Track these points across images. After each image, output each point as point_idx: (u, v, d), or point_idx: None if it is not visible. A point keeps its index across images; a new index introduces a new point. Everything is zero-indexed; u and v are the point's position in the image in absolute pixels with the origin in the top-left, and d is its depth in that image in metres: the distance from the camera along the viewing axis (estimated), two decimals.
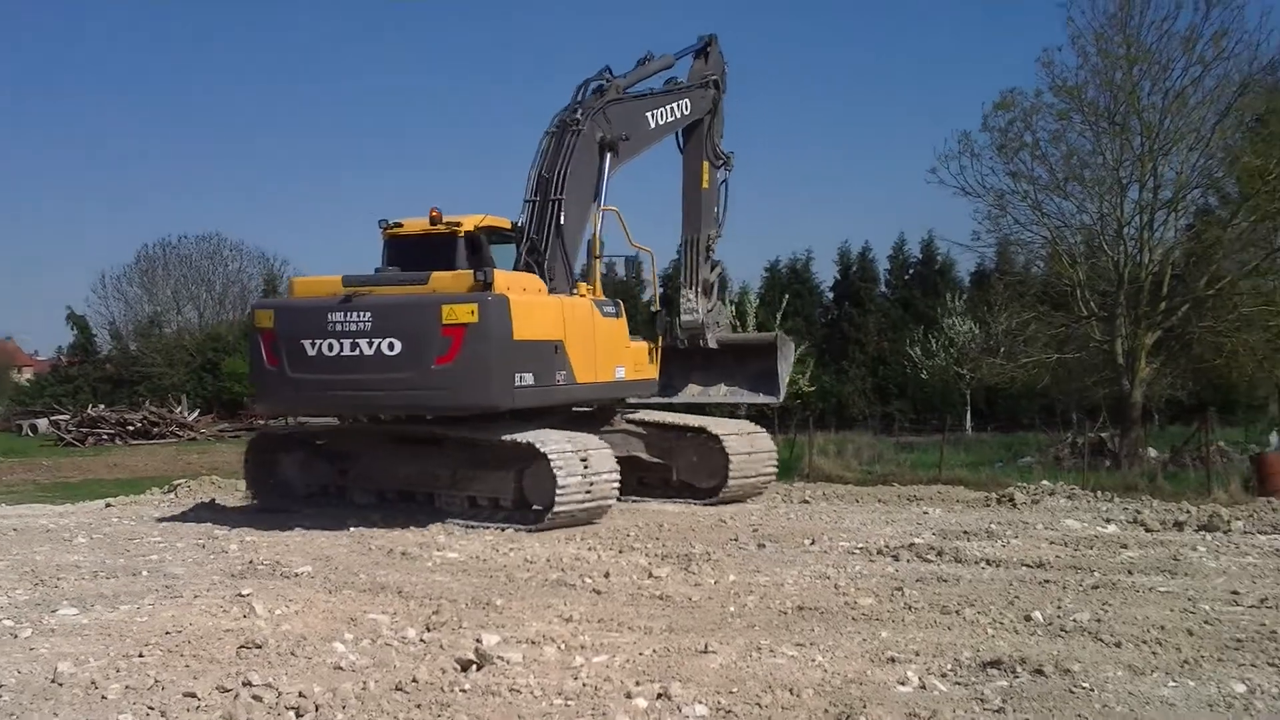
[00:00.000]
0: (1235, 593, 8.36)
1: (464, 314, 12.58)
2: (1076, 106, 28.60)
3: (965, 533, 11.77)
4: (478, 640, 7.23)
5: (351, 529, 12.84)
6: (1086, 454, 23.75)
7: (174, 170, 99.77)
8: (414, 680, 6.29)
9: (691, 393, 17.73)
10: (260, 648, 7.22)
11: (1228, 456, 25.90)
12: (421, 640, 7.43)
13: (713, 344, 17.31)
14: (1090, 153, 28.86)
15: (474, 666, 6.58)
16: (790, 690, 6.08)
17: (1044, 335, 30.45)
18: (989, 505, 14.51)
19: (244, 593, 9.09)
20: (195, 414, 47.13)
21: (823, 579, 9.45)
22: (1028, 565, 9.75)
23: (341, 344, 12.91)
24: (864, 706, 5.67)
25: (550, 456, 12.59)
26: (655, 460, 15.44)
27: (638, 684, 6.18)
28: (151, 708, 6.03)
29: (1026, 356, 29.73)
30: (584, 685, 6.25)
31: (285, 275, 63.79)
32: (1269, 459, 19.88)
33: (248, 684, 6.31)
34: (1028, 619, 7.69)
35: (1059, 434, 29.62)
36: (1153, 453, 27.71)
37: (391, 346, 12.75)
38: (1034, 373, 30.12)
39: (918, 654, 6.87)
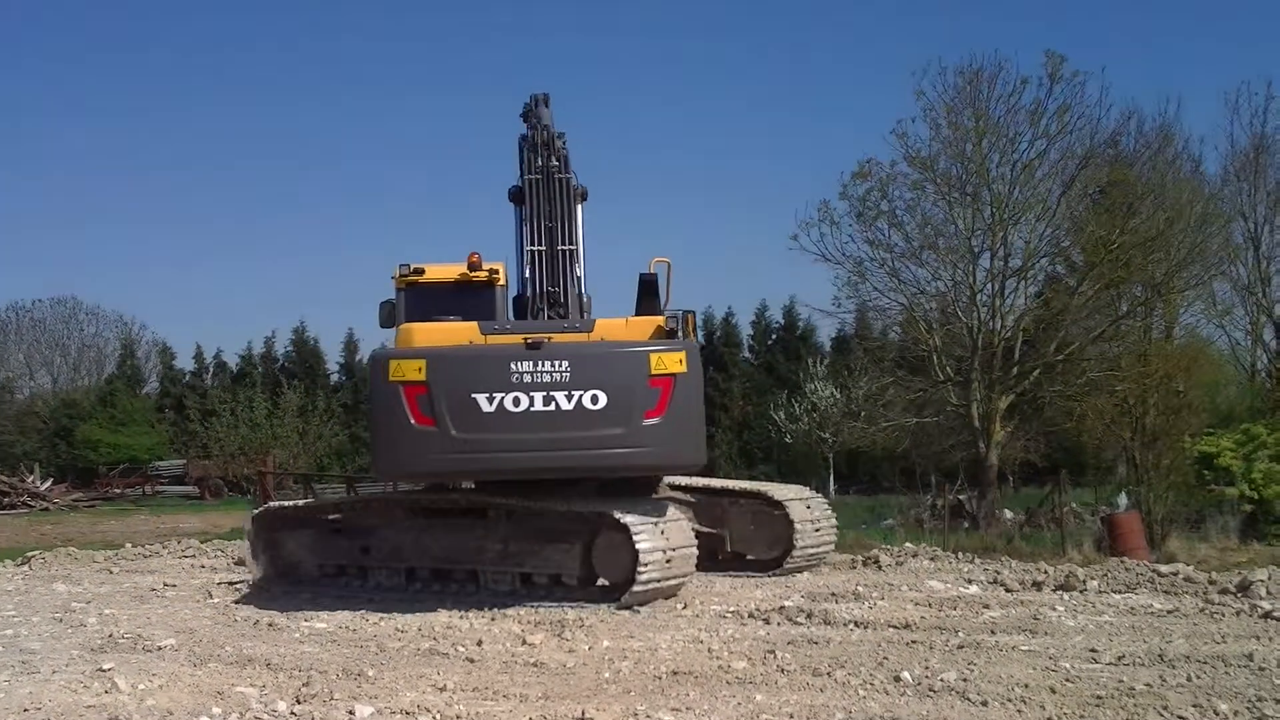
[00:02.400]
0: (1094, 650, 8.64)
1: (673, 363, 11.58)
2: (930, 177, 29.68)
3: (833, 594, 11.96)
4: (350, 712, 7.15)
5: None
6: (946, 516, 24.31)
7: (23, 231, 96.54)
8: None
9: None
10: None
11: (1080, 517, 26.83)
12: (292, 713, 7.31)
13: None
14: (944, 221, 29.90)
15: None
16: None
17: (902, 399, 31.26)
18: (854, 567, 14.76)
19: (105, 667, 8.85)
20: (48, 483, 45.46)
21: (696, 643, 9.52)
22: (895, 626, 9.94)
23: (532, 398, 11.49)
24: None
25: (631, 527, 11.30)
26: (706, 530, 13.62)
27: None
28: None
29: (886, 420, 30.46)
30: None
31: (143, 339, 62.54)
32: (1119, 520, 20.67)
33: None
34: (897, 679, 7.84)
35: (919, 496, 30.26)
36: (1009, 514, 28.54)
37: (595, 400, 11.47)
38: (894, 436, 30.84)
39: (791, 716, 6.98)
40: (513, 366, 11.45)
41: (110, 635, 10.49)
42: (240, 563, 15.35)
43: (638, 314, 12.45)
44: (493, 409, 11.43)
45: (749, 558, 14.00)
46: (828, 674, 8.11)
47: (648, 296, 12.75)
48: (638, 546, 11.18)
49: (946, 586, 12.47)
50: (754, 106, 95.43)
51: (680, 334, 12.00)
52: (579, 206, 13.31)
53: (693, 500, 13.69)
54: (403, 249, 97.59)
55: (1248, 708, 6.81)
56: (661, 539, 11.44)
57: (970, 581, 12.83)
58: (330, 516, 13.92)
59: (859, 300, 31.84)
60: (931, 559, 15.07)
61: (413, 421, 11.42)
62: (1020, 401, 29.64)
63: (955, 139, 29.34)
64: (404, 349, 11.85)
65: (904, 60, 73.70)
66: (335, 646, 9.94)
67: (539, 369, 11.49)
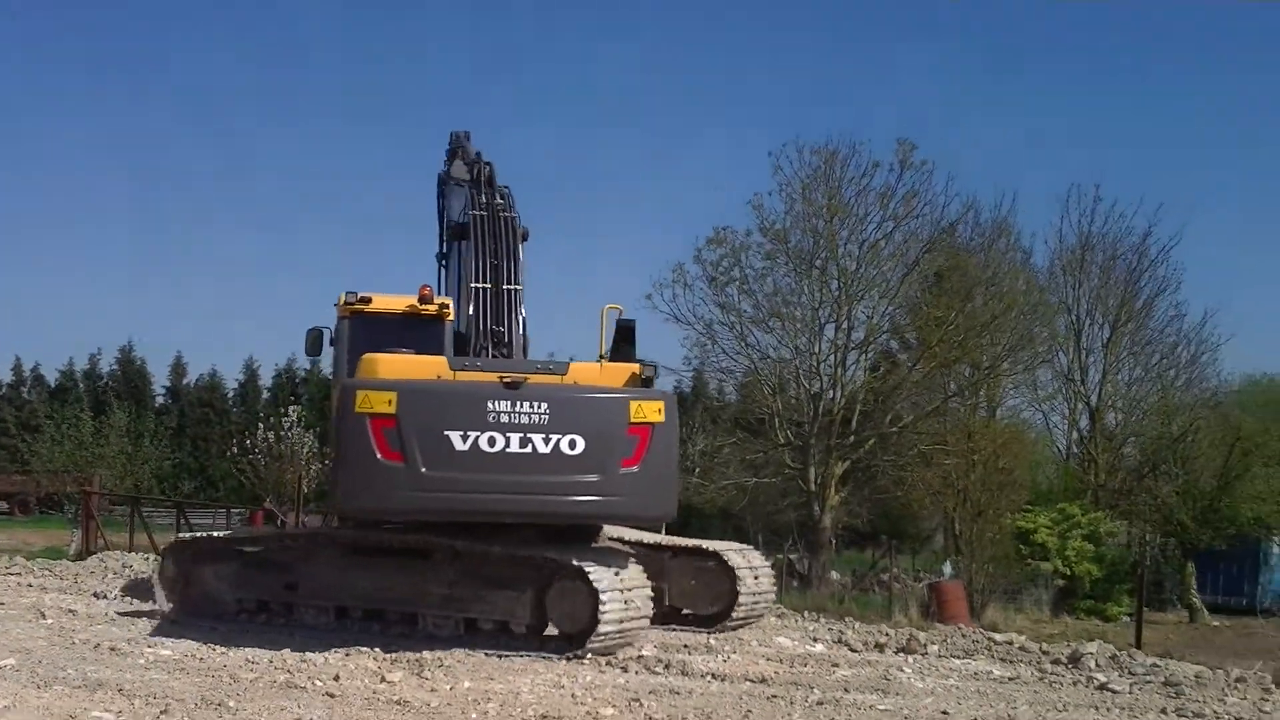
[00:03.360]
0: (946, 713, 8.96)
1: (652, 412, 11.22)
2: (782, 249, 30.59)
3: (685, 646, 12.09)
4: None
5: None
6: (782, 574, 24.80)
7: None
8: None
9: None
10: None
11: (903, 582, 27.69)
12: None
13: None
14: (792, 292, 30.80)
15: None
16: None
17: (738, 459, 31.92)
18: None
19: None
20: None
21: (558, 688, 9.54)
22: (751, 680, 10.10)
23: (508, 438, 10.98)
24: None
25: (590, 573, 10.81)
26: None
27: None
28: None
29: (725, 478, 31.02)
30: None
31: None
32: (945, 587, 21.43)
33: None
34: None
35: None
36: (835, 575, 29.29)
37: (573, 445, 11.03)
38: (731, 494, 31.39)
39: None
40: (489, 405, 11.00)
41: None
42: (130, 591, 14.77)
43: (612, 359, 12.18)
44: (466, 447, 10.95)
45: (685, 612, 13.46)
46: None
47: (624, 343, 12.48)
48: (600, 595, 10.70)
49: (794, 643, 12.73)
50: (614, 166, 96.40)
51: (647, 379, 11.80)
52: (521, 246, 13.15)
53: (632, 553, 12.74)
54: (234, 274, 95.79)
55: None
56: (621, 587, 11.01)
57: (816, 640, 13.13)
58: (253, 550, 13.08)
59: (706, 361, 32.48)
60: (779, 616, 15.35)
61: (379, 456, 10.88)
62: (854, 468, 30.56)
63: (808, 214, 30.35)
64: (372, 379, 11.22)
65: (763, 130, 75.90)
66: (184, 675, 9.66)
67: (517, 409, 11.05)
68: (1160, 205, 41.86)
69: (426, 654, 10.79)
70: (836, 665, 11.21)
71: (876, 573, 27.25)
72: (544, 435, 11.04)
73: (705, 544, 13.70)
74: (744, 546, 14.19)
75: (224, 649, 10.89)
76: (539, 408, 11.05)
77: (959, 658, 11.97)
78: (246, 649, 10.93)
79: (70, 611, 13.05)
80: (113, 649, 10.75)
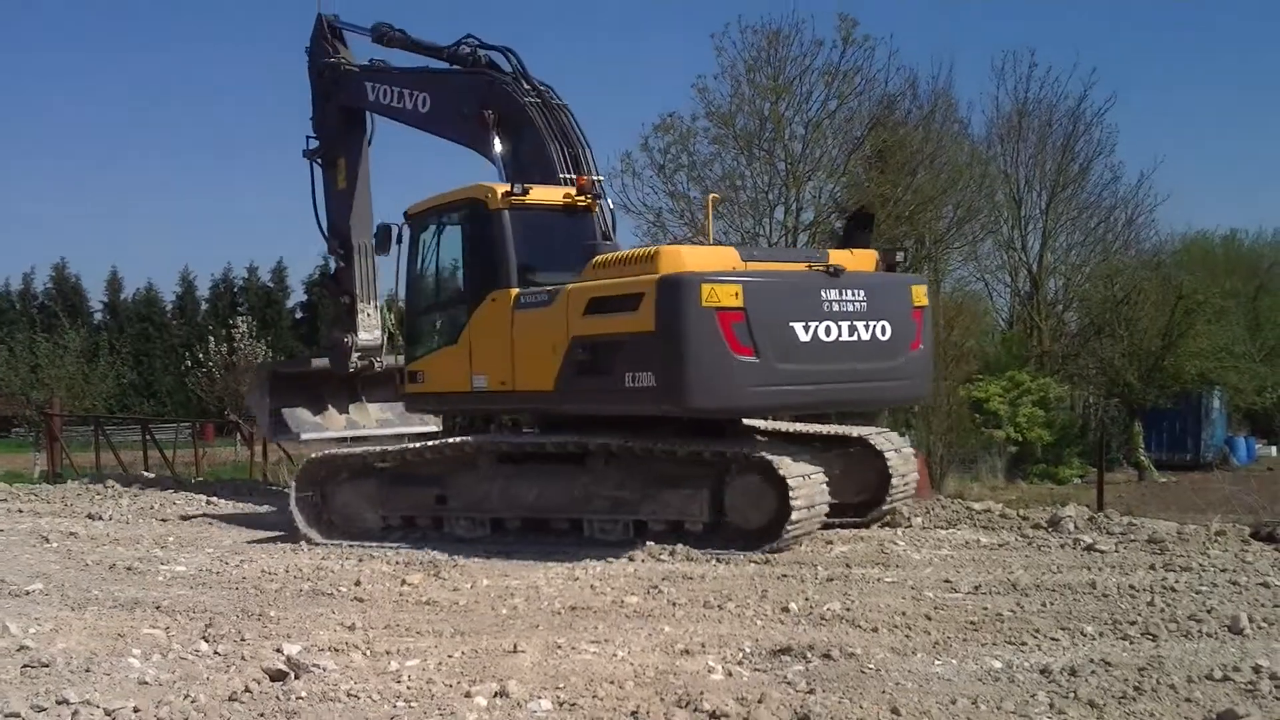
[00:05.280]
0: (949, 581, 9.37)
1: (921, 296, 11.61)
2: (729, 132, 30.52)
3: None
4: (278, 650, 7.23)
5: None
6: None
7: None
8: (246, 690, 6.28)
9: (339, 424, 16.92)
10: (48, 666, 6.95)
11: None
12: (217, 653, 7.34)
13: (380, 366, 16.71)
14: (740, 176, 30.85)
15: (291, 675, 6.60)
16: (613, 682, 6.48)
17: None
18: None
19: None
20: None
21: (573, 580, 9.85)
22: (755, 562, 10.46)
23: (839, 327, 10.92)
24: (701, 694, 6.14)
25: (775, 464, 10.51)
26: None
27: (474, 683, 6.42)
28: None
29: None
30: (410, 687, 6.43)
31: None
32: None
33: (64, 701, 6.11)
34: (785, 610, 8.38)
35: None
36: None
37: (884, 330, 11.16)
38: None
39: (704, 646, 7.39)
40: (823, 294, 10.93)
41: None
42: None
43: (845, 246, 11.94)
44: (808, 338, 10.80)
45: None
46: (719, 606, 8.58)
47: (861, 230, 12.50)
48: (789, 486, 10.45)
49: None
50: (568, 53, 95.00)
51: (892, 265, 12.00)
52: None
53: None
54: (163, 186, 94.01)
55: (1109, 629, 7.61)
56: (804, 475, 10.71)
57: None
58: (397, 464, 12.61)
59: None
60: None
61: (730, 351, 10.47)
62: None
63: (753, 96, 30.27)
64: (716, 271, 10.75)
65: (706, 13, 74.75)
66: (208, 589, 9.89)
67: (844, 297, 11.04)
68: (1095, 69, 42.51)
69: (440, 556, 11.11)
70: (831, 543, 11.57)
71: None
72: (865, 322, 11.15)
73: (849, 430, 13.25)
74: (882, 430, 13.44)
75: (237, 562, 11.11)
76: (858, 295, 11.13)
77: (944, 528, 12.40)
78: (261, 559, 11.20)
79: (71, 534, 13.15)
80: (129, 569, 10.93)
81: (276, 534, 12.95)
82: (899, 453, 12.63)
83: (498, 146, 13.37)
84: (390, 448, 12.60)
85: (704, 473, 11.10)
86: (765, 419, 12.70)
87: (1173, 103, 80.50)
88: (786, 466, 10.55)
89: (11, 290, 61.46)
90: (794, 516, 10.49)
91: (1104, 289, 36.55)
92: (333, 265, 17.30)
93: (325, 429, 16.79)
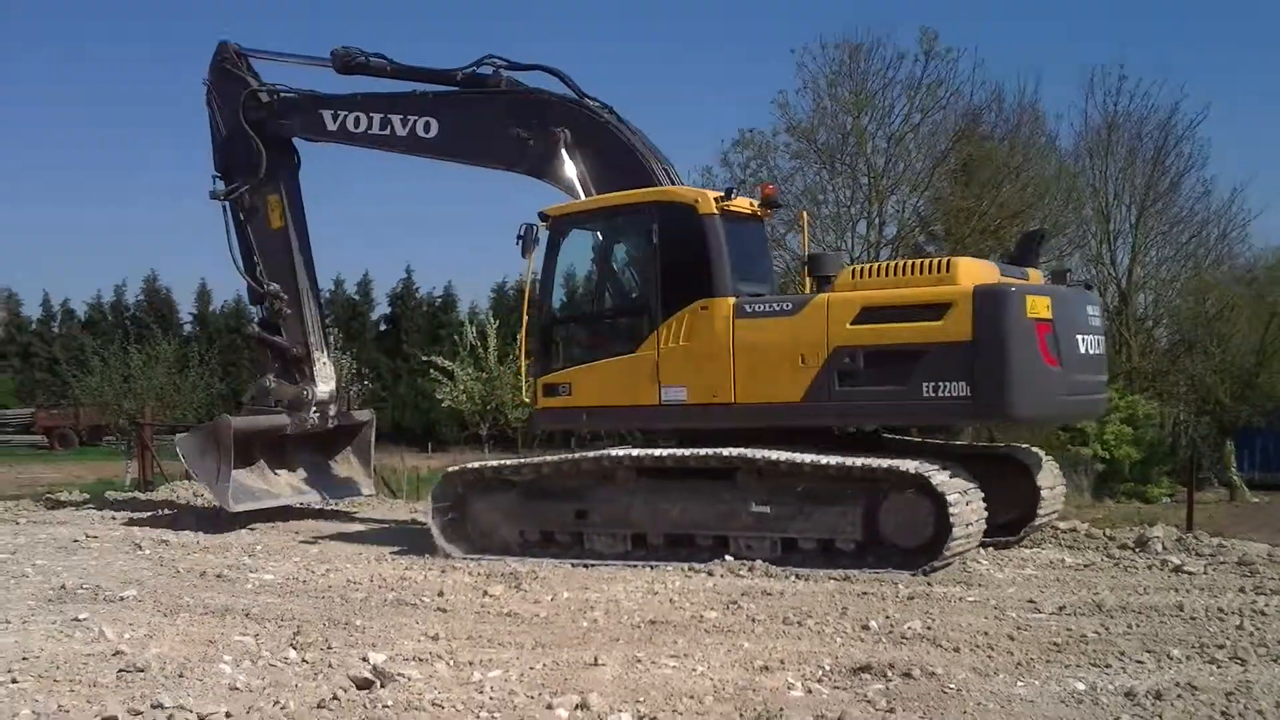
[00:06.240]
0: (1033, 601, 9.28)
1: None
2: (809, 147, 30.51)
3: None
4: (364, 659, 7.37)
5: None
6: None
7: None
8: (334, 697, 6.41)
9: (285, 489, 15.48)
10: (143, 671, 7.14)
11: None
12: (305, 660, 7.48)
13: (334, 422, 15.75)
14: (821, 190, 30.81)
15: (377, 684, 6.72)
16: (692, 698, 6.52)
17: None
18: None
19: (80, 617, 8.87)
20: None
21: (653, 594, 9.90)
22: (834, 579, 10.43)
23: (1091, 340, 11.43)
24: (780, 710, 6.16)
25: (935, 481, 10.35)
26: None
27: (555, 695, 6.49)
28: None
29: None
30: (493, 698, 6.51)
31: None
32: None
33: (159, 705, 6.28)
34: (865, 628, 8.36)
35: None
36: None
37: (1099, 344, 11.63)
38: None
39: (784, 663, 7.40)
40: (1088, 309, 11.60)
41: (62, 586, 10.41)
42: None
43: (1016, 264, 11.98)
44: (1083, 351, 11.26)
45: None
46: (798, 623, 8.58)
47: (1033, 249, 12.61)
48: (949, 504, 10.27)
49: None
50: (636, 74, 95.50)
51: None
52: None
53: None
54: None
55: (1196, 652, 7.50)
56: (964, 496, 10.58)
57: None
58: (536, 478, 12.26)
59: None
60: None
61: (1044, 361, 10.64)
62: None
63: (834, 110, 30.29)
64: (1030, 284, 11.19)
65: (787, 33, 74.65)
66: (295, 598, 10.08)
67: (1094, 313, 11.72)
68: (1185, 82, 41.68)
69: (519, 567, 11.22)
70: None
71: None
72: (1099, 337, 11.68)
73: (999, 447, 13.31)
74: (1029, 447, 13.29)
75: (323, 571, 11.31)
76: (1096, 311, 11.78)
77: (1028, 547, 12.26)
78: (346, 569, 11.39)
79: (163, 542, 13.46)
80: (219, 576, 11.18)
81: (361, 544, 13.18)
82: (1046, 469, 12.54)
83: (569, 167, 13.10)
84: (529, 461, 12.41)
85: (859, 489, 10.88)
86: (1043, 429, 13.27)
87: (1266, 116, 78.72)
88: (944, 484, 10.40)
89: (104, 302, 63.14)
90: (954, 534, 10.31)
91: (1195, 304, 35.88)
92: (258, 315, 16.19)
93: (277, 495, 15.33)
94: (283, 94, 15.32)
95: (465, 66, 14.09)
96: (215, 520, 14.96)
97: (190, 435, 15.50)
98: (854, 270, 11.63)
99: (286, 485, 15.47)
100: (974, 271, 10.93)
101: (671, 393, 11.79)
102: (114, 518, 16.11)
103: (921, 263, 11.32)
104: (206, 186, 15.53)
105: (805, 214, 12.99)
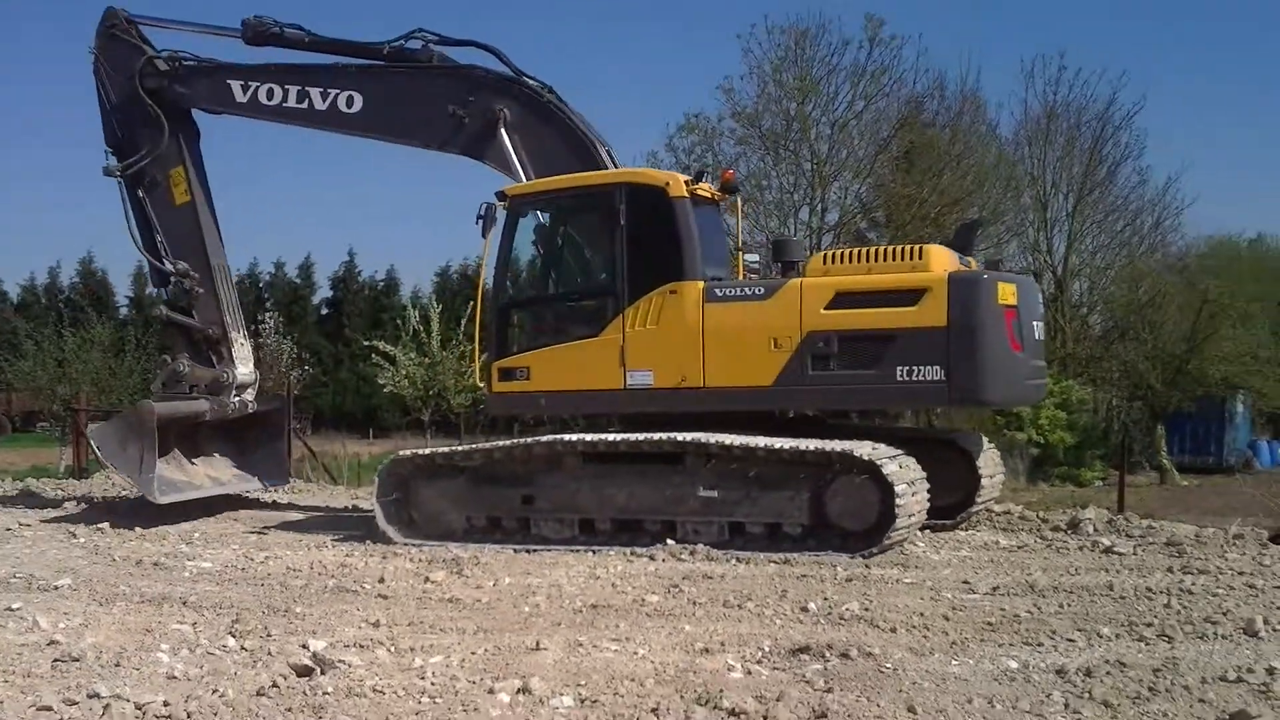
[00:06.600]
0: (967, 582, 9.43)
1: None
2: (754, 133, 30.62)
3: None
4: (304, 646, 7.35)
5: None
6: None
7: None
8: (274, 685, 6.39)
9: (204, 479, 14.76)
10: (78, 660, 7.08)
11: None
12: (244, 648, 7.44)
13: (253, 407, 15.06)
14: (765, 176, 30.95)
15: (317, 671, 6.71)
16: (634, 680, 6.57)
17: None
18: None
19: (13, 607, 8.74)
20: None
21: (594, 579, 9.94)
22: (775, 562, 10.52)
23: (1039, 327, 11.93)
24: (720, 691, 6.22)
25: (882, 466, 10.46)
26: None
27: (497, 680, 6.52)
28: None
29: None
30: (434, 684, 6.52)
31: None
32: None
33: (95, 695, 6.23)
34: (805, 609, 8.46)
35: None
36: None
37: (1035, 330, 11.72)
38: None
39: (724, 645, 7.47)
40: (1039, 295, 12.16)
41: None
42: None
43: (963, 254, 11.91)
44: (1038, 336, 11.84)
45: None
46: (739, 605, 8.67)
47: (971, 238, 12.65)
48: (895, 488, 10.39)
49: None
50: (591, 53, 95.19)
51: None
52: None
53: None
54: None
55: (1125, 630, 7.67)
56: (910, 479, 10.73)
57: None
58: (483, 464, 12.16)
59: None
60: None
61: (1010, 347, 10.94)
62: None
63: (779, 96, 30.40)
64: (999, 273, 11.64)
65: (732, 16, 74.23)
66: (234, 585, 10.02)
67: (1040, 299, 12.26)
68: (1124, 72, 42.20)
69: (461, 553, 11.21)
70: None
71: None
72: (1042, 324, 12.21)
73: (943, 431, 13.68)
74: (973, 432, 13.81)
75: (263, 559, 11.25)
76: (1039, 299, 12.22)
77: (964, 529, 12.46)
78: (286, 556, 11.33)
79: (98, 530, 13.29)
80: (155, 564, 11.07)
81: (301, 531, 13.12)
82: (986, 454, 12.81)
83: (508, 147, 12.90)
84: (479, 446, 12.32)
85: (806, 473, 10.93)
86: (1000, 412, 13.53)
87: (1200, 106, 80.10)
88: (890, 469, 10.53)
89: (38, 285, 62.12)
90: (897, 523, 10.45)
91: (1129, 292, 36.41)
92: (165, 295, 15.43)
93: (198, 486, 14.63)
94: (185, 61, 14.55)
95: (392, 40, 13.66)
96: (147, 510, 14.57)
97: (107, 424, 14.87)
98: (825, 256, 11.85)
99: (204, 476, 14.78)
100: (944, 259, 11.14)
101: (637, 376, 11.77)
102: (47, 505, 15.87)
103: (893, 249, 11.52)
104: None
105: (739, 199, 12.87)
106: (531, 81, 13.14)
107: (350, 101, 13.65)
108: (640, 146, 55.11)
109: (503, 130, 12.92)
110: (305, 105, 13.81)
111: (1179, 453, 35.16)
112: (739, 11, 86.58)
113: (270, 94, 13.96)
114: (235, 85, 14.14)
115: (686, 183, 11.88)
